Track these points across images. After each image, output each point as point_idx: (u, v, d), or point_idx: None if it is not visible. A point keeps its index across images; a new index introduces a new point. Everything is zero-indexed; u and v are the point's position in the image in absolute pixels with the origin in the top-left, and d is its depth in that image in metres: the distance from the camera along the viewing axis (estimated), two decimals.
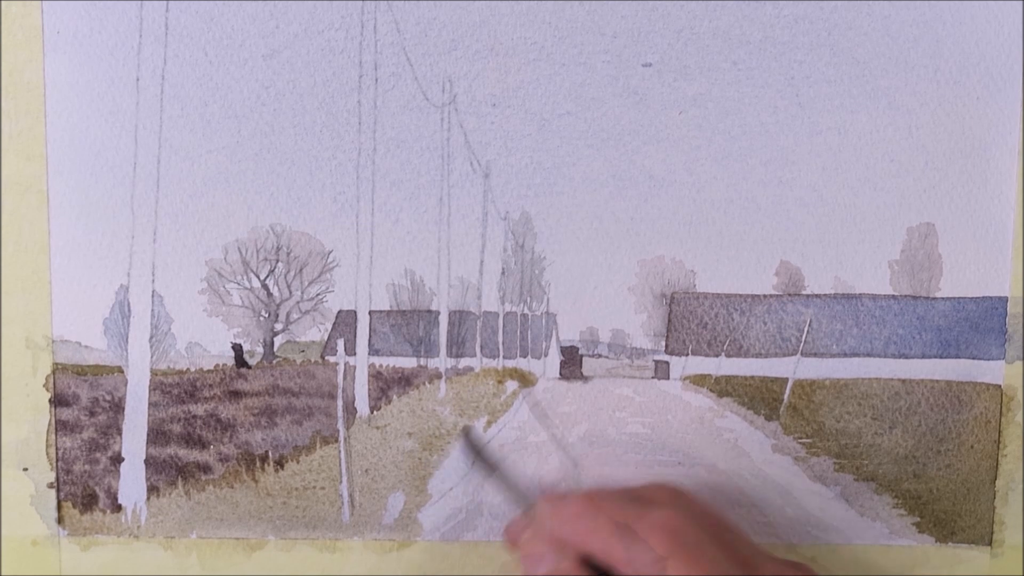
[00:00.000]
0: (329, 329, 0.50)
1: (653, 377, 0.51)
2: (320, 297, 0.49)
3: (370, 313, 0.50)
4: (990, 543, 0.50)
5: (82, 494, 0.49)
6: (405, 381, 0.51)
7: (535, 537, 0.42)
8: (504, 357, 0.51)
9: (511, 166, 0.49)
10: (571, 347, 0.51)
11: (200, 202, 0.48)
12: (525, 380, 0.51)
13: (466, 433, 0.49)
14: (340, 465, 0.50)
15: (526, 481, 0.49)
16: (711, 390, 0.51)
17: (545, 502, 0.42)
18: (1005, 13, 0.47)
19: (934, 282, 0.49)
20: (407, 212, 0.49)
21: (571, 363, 0.52)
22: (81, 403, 0.49)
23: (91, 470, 0.49)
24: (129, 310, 0.48)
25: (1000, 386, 0.50)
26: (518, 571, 0.48)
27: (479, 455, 0.48)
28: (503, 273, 0.50)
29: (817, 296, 0.50)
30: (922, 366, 0.50)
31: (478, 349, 0.51)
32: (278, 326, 0.50)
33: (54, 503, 0.49)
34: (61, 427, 0.49)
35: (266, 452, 0.50)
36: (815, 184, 0.49)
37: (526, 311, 0.51)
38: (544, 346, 0.51)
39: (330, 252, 0.49)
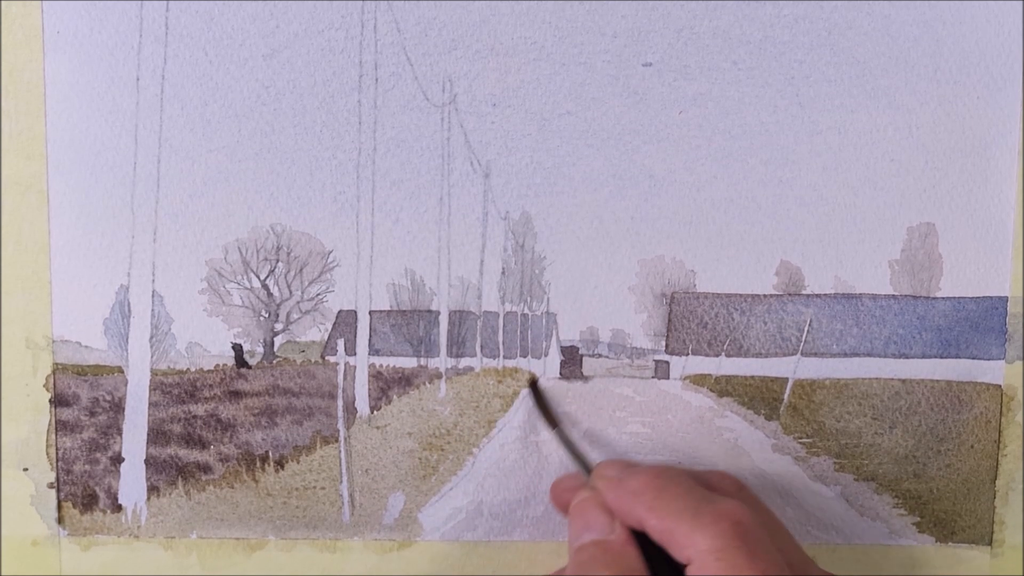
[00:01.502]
0: (329, 329, 0.50)
1: (653, 377, 0.51)
2: (320, 297, 0.49)
3: (370, 313, 0.50)
4: (990, 543, 0.50)
5: (82, 494, 0.49)
6: (405, 381, 0.51)
7: (589, 501, 0.41)
8: (504, 357, 0.51)
9: (511, 166, 0.49)
10: (571, 347, 0.51)
11: (200, 202, 0.48)
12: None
13: (533, 384, 0.49)
14: (340, 465, 0.50)
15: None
16: (711, 390, 0.51)
17: (607, 468, 0.41)
18: (1005, 13, 0.47)
19: (934, 282, 0.49)
20: (407, 212, 0.49)
21: (571, 363, 0.52)
22: (81, 403, 0.49)
23: (91, 470, 0.49)
24: (129, 310, 0.48)
25: (1000, 386, 0.50)
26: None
27: (544, 408, 0.48)
28: (503, 273, 0.50)
29: (817, 296, 0.50)
30: (922, 366, 0.50)
31: (478, 349, 0.51)
32: (278, 326, 0.50)
33: (54, 503, 0.49)
34: (61, 427, 0.49)
35: (266, 452, 0.50)
36: (815, 184, 0.49)
37: (526, 311, 0.51)
38: (544, 346, 0.51)
39: (330, 252, 0.49)
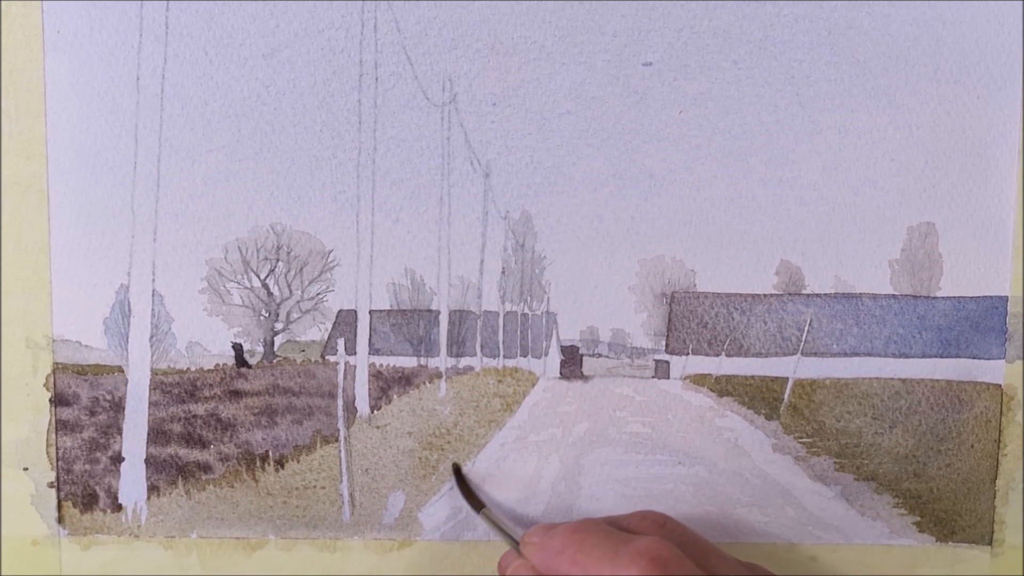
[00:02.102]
0: (329, 328, 0.50)
1: (653, 376, 0.51)
2: (320, 296, 0.49)
3: (370, 312, 0.50)
4: (990, 543, 0.50)
5: (82, 494, 0.49)
6: (405, 380, 0.51)
7: (520, 568, 0.42)
8: (504, 356, 0.51)
9: (511, 165, 0.49)
10: (571, 346, 0.51)
11: (200, 202, 0.48)
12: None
13: (456, 471, 0.49)
14: (340, 464, 0.50)
15: (513, 516, 0.49)
16: (711, 389, 0.51)
17: (531, 536, 0.43)
18: (1005, 13, 0.47)
19: (934, 281, 0.49)
20: (407, 211, 0.49)
21: (571, 362, 0.52)
22: (81, 403, 0.49)
23: (91, 470, 0.49)
24: (129, 310, 0.48)
25: (1000, 385, 0.50)
26: None
27: (468, 493, 0.48)
28: (503, 272, 0.50)
29: (817, 295, 0.50)
30: (922, 365, 0.50)
31: (478, 348, 0.51)
32: (278, 325, 0.50)
33: (54, 503, 0.49)
34: (61, 427, 0.49)
35: (266, 452, 0.50)
36: (815, 183, 0.49)
37: (526, 310, 0.51)
38: (544, 345, 0.51)
39: (330, 251, 0.49)
